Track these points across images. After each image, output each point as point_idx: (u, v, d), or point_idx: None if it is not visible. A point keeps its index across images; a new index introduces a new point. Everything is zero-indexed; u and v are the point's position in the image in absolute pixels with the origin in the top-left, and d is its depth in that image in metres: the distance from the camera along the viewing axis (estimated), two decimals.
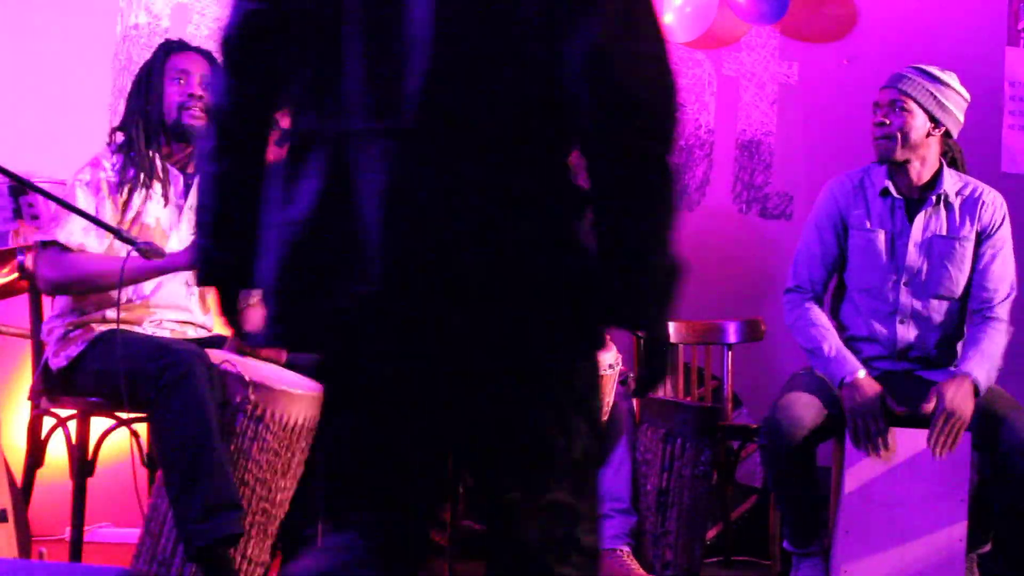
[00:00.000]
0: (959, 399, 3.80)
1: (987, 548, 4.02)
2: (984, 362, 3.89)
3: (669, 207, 2.12)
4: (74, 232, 3.64)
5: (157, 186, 3.75)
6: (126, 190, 3.72)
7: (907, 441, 3.88)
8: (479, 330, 2.08)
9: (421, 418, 2.20)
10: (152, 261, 3.53)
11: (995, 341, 3.95)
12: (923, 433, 3.86)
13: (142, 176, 3.72)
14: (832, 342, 3.98)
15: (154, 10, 4.98)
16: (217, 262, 2.28)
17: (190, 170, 3.83)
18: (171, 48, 3.87)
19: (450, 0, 2.11)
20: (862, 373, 3.88)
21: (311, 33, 2.19)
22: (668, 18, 5.43)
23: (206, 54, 3.89)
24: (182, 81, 3.79)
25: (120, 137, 3.81)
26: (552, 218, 2.11)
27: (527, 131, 2.13)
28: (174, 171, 3.81)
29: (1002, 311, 4.00)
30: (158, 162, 3.76)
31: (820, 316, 4.05)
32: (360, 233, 2.08)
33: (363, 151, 2.11)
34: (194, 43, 4.93)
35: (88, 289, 3.69)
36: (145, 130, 3.76)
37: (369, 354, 2.13)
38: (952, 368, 4.03)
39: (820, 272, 4.11)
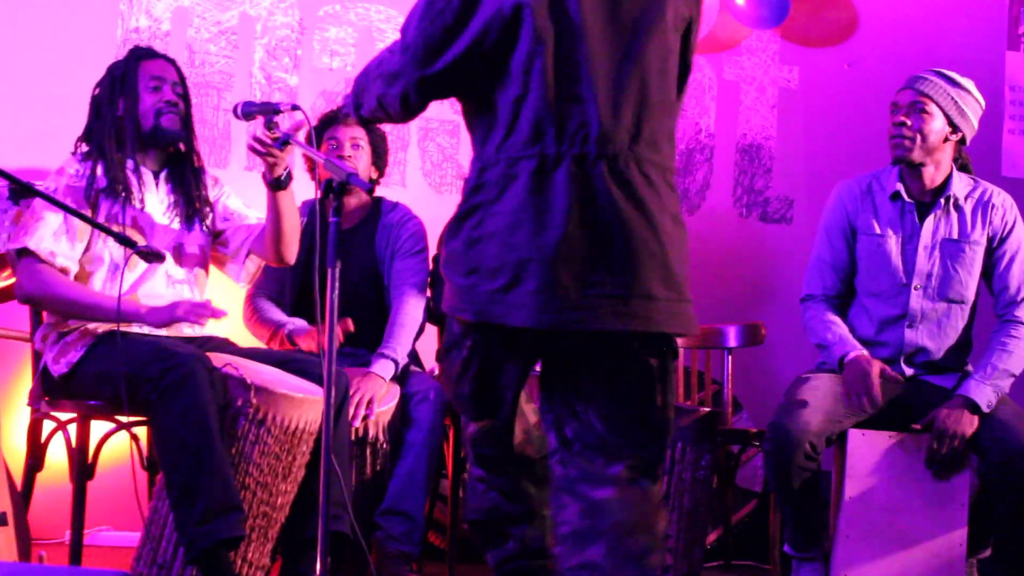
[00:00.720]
0: (952, 420, 3.83)
1: (987, 553, 4.02)
2: (989, 378, 3.90)
3: None
4: (44, 238, 3.64)
5: (131, 189, 3.74)
6: (95, 195, 3.71)
7: (908, 447, 3.88)
8: (651, 318, 2.62)
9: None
10: (132, 308, 3.61)
11: (1010, 350, 3.96)
12: (924, 439, 3.87)
13: (115, 181, 3.72)
14: (837, 331, 4.00)
15: (155, 14, 4.98)
16: None
17: (158, 168, 3.85)
18: (141, 55, 3.87)
19: (619, 41, 2.63)
20: (862, 353, 3.92)
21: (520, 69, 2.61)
22: None
23: (172, 61, 3.91)
24: (157, 88, 3.80)
25: (85, 146, 3.82)
26: (683, 229, 2.72)
27: (671, 158, 2.73)
28: (147, 172, 3.82)
29: (1023, 312, 4.01)
30: (130, 165, 3.76)
31: (831, 316, 4.06)
32: (608, 236, 2.59)
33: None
34: (196, 47, 4.95)
35: (61, 312, 3.69)
36: (118, 138, 3.77)
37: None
38: (958, 374, 4.03)
39: (832, 279, 4.12)
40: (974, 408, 3.86)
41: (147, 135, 3.79)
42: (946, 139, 3.99)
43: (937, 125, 3.98)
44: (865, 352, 3.94)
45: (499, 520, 2.91)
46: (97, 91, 3.86)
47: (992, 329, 4.05)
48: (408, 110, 2.74)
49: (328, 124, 4.29)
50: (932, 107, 3.97)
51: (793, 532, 3.97)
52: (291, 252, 3.87)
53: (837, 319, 4.06)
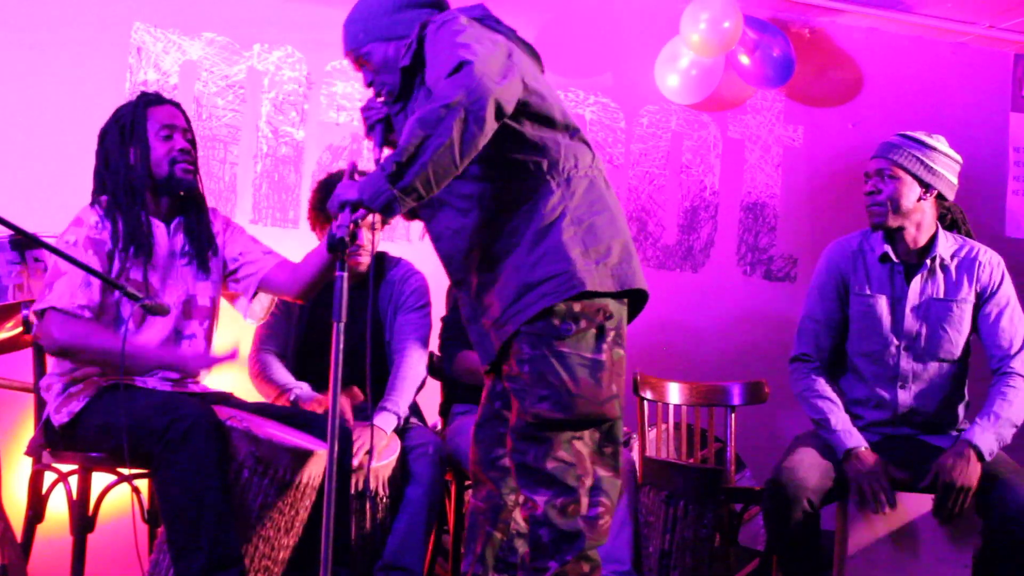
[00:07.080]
0: (959, 468, 3.81)
1: None
2: (992, 426, 3.89)
3: None
4: (71, 293, 3.62)
5: (146, 244, 3.73)
6: (112, 250, 3.70)
7: (911, 505, 3.87)
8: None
9: None
10: (154, 355, 3.68)
11: (1010, 399, 3.95)
12: (928, 498, 3.85)
13: (131, 238, 3.71)
14: (839, 416, 3.98)
15: (163, 67, 5.02)
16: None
17: (170, 215, 3.83)
18: (149, 102, 3.84)
19: None
20: (864, 447, 3.89)
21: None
22: (674, 80, 5.46)
23: (178, 106, 3.88)
24: (168, 137, 3.78)
25: (103, 197, 3.79)
26: None
27: None
28: (158, 225, 3.81)
29: (1019, 364, 4.00)
30: (144, 221, 3.75)
31: (826, 388, 4.05)
32: None
33: None
34: (204, 101, 4.98)
35: (92, 361, 3.67)
36: (131, 190, 3.75)
37: None
38: (953, 433, 4.03)
39: (825, 340, 4.13)
40: (979, 455, 3.84)
41: (161, 184, 3.78)
42: (920, 199, 4.01)
43: (907, 189, 4.00)
44: (865, 446, 3.93)
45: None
46: (105, 139, 3.84)
47: (989, 383, 4.03)
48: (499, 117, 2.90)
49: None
50: (899, 172, 3.99)
51: None
52: (314, 295, 3.89)
53: (834, 396, 4.04)
